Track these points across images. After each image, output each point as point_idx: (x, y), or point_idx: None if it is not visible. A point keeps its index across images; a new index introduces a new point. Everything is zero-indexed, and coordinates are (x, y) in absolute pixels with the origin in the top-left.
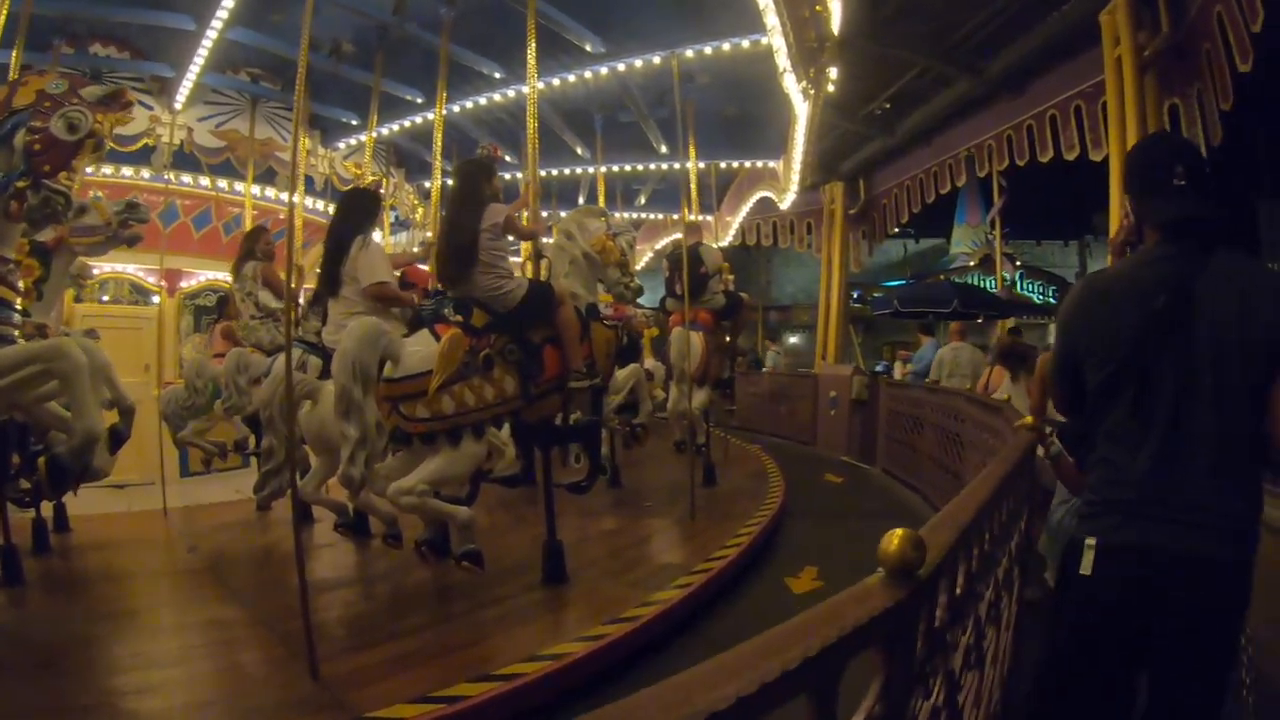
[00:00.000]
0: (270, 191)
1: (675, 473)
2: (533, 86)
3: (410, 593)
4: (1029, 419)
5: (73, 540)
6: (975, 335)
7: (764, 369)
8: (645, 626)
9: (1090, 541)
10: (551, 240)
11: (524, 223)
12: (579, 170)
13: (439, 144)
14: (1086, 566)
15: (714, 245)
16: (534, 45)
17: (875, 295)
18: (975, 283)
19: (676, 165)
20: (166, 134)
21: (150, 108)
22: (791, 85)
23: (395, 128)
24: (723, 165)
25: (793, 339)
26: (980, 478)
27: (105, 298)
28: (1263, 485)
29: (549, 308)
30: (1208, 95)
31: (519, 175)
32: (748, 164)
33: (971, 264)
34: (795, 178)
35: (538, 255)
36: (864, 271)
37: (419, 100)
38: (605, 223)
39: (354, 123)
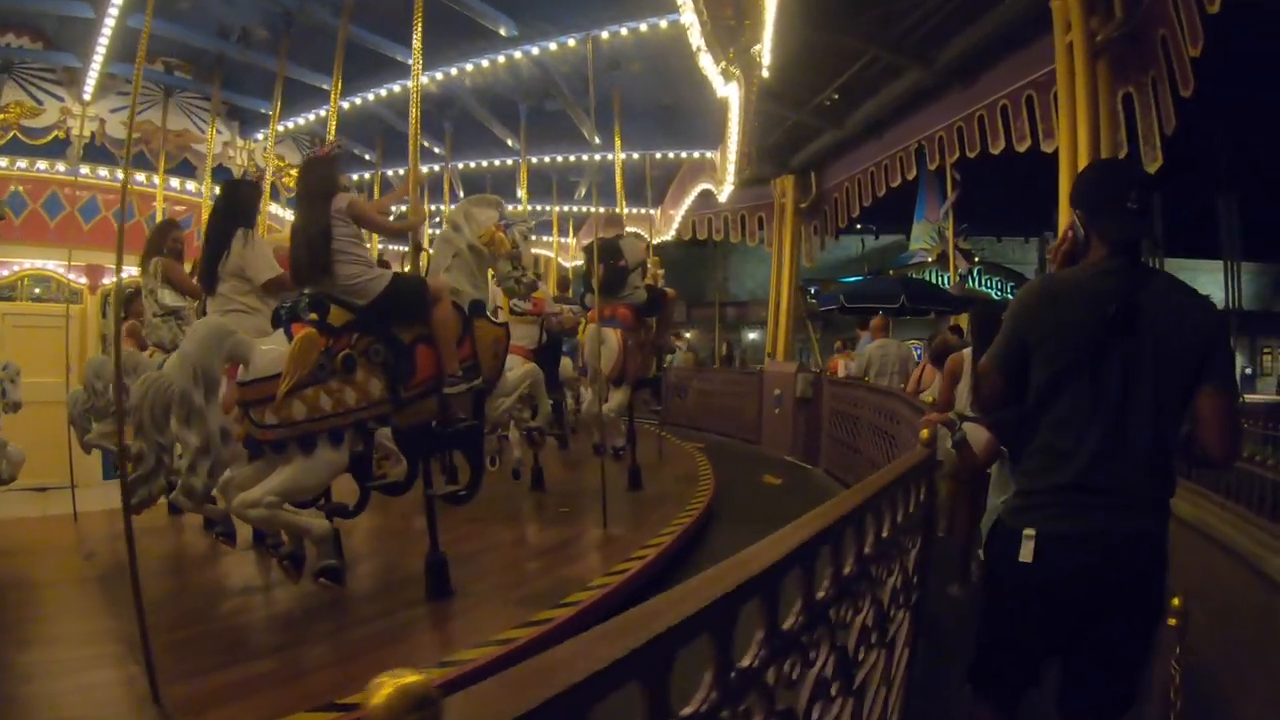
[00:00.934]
0: (192, 185)
1: (605, 475)
2: (416, 75)
3: (286, 608)
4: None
5: None
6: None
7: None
8: (520, 650)
9: (1029, 531)
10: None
11: (376, 213)
12: (510, 161)
13: (332, 130)
14: (1026, 554)
15: (638, 238)
16: (419, 27)
17: (816, 291)
18: (931, 279)
19: (609, 156)
20: (77, 126)
21: (61, 99)
22: (709, 66)
23: (311, 117)
24: (658, 156)
25: (751, 335)
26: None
27: (37, 291)
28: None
29: (419, 304)
30: (1163, 83)
31: (440, 167)
32: (684, 155)
33: (930, 259)
34: (731, 169)
35: (417, 248)
36: (821, 267)
37: (326, 87)
38: (498, 213)
39: (266, 112)
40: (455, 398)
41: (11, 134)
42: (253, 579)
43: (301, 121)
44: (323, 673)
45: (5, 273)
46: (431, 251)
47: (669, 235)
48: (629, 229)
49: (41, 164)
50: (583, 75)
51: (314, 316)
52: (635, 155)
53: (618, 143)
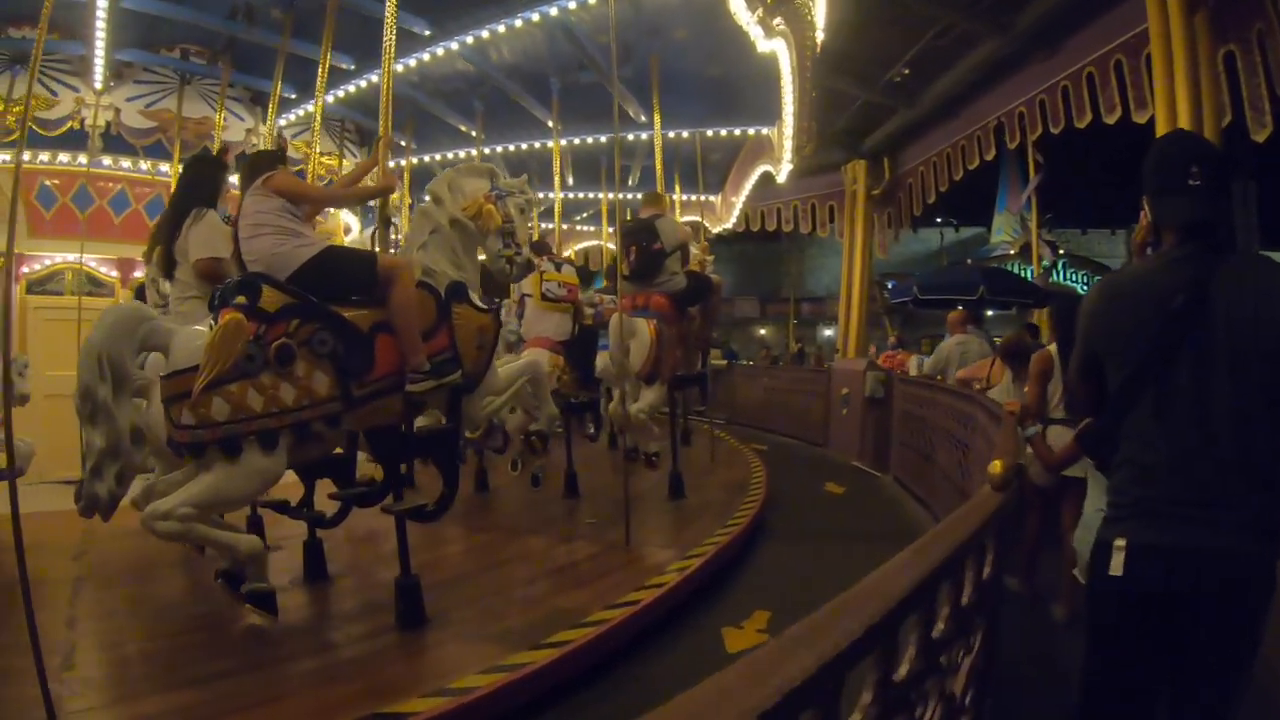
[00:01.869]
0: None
1: (644, 482)
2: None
3: (238, 629)
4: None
5: None
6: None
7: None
8: (477, 703)
9: (1119, 543)
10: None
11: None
12: (550, 144)
13: (320, 110)
14: (1116, 567)
15: (679, 219)
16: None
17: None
18: (1014, 270)
19: (645, 136)
20: (91, 116)
21: (76, 89)
22: (742, 12)
23: (330, 99)
24: (710, 134)
25: (827, 332)
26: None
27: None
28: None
29: (359, 282)
30: (1271, 36)
31: (471, 152)
32: (740, 133)
33: (1012, 252)
34: (789, 145)
35: (385, 223)
36: (899, 261)
37: (349, 66)
38: (489, 182)
39: (293, 96)
40: (426, 396)
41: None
42: (212, 593)
43: (326, 102)
44: (245, 714)
45: (37, 267)
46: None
47: (730, 224)
48: (688, 217)
49: (64, 156)
50: (621, 44)
51: (242, 300)
52: (685, 134)
53: (656, 116)
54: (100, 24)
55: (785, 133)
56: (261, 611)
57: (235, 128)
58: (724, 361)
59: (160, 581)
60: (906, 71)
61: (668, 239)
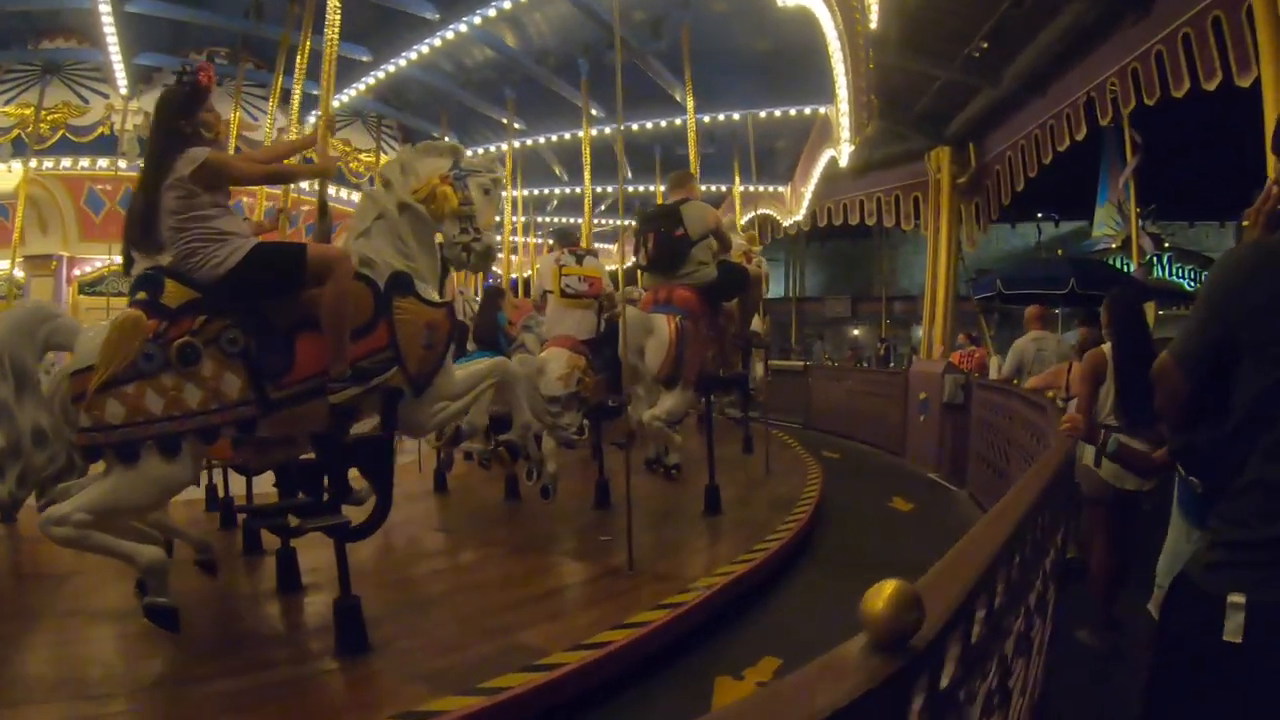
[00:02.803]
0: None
1: (680, 495)
2: None
3: (169, 641)
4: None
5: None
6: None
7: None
8: None
9: (1237, 599)
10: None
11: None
12: (593, 132)
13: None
14: (1235, 631)
15: (705, 204)
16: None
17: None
18: (1114, 264)
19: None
20: (119, 121)
21: (106, 96)
22: None
23: (352, 92)
24: (763, 115)
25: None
26: (1001, 506)
27: None
28: None
29: (289, 279)
30: None
31: (501, 148)
32: (793, 112)
33: (1114, 245)
34: (846, 123)
35: (323, 208)
36: (996, 257)
37: (365, 59)
38: (449, 161)
39: (315, 93)
40: (356, 400)
41: (60, 133)
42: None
43: (345, 99)
44: None
45: (88, 269)
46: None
47: (800, 216)
48: (762, 210)
49: (103, 162)
50: (649, 16)
51: (142, 295)
52: (735, 115)
53: (689, 91)
54: (109, 30)
55: (841, 109)
56: (162, 627)
57: (97, 106)
58: (800, 363)
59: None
60: (985, 45)
61: (693, 226)
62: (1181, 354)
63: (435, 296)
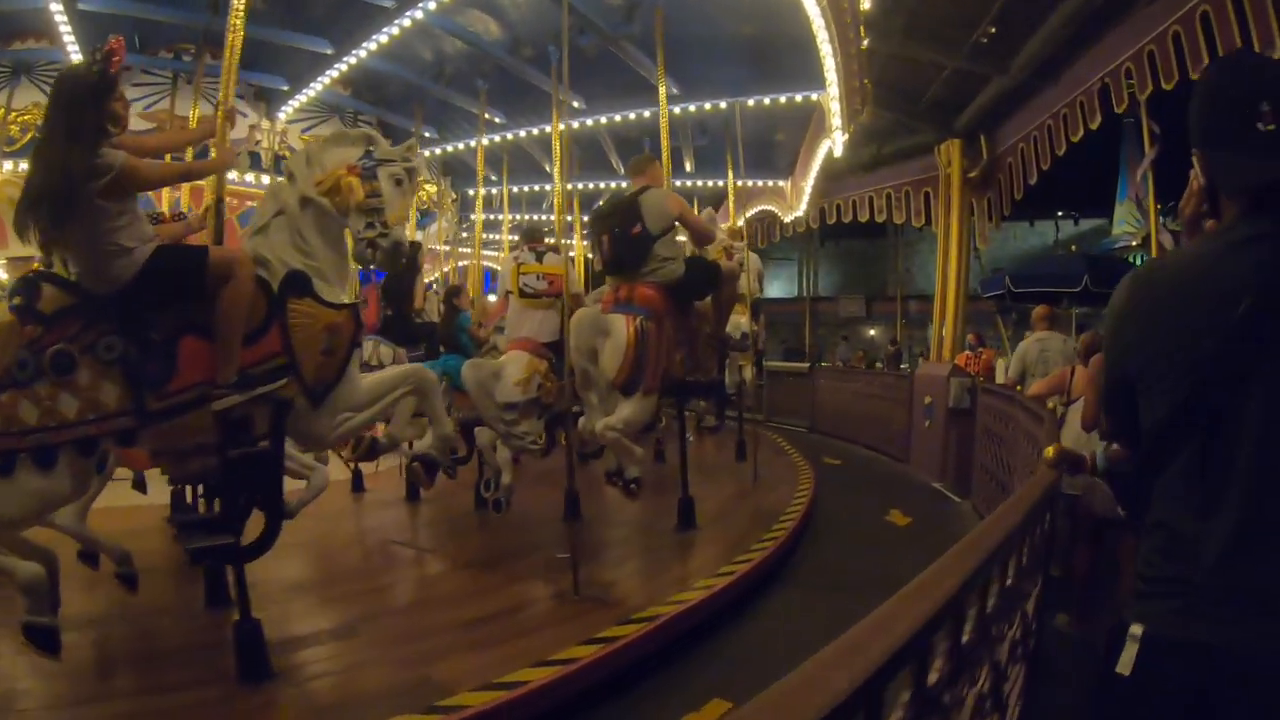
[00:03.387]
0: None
1: (656, 509)
2: None
3: (75, 658)
4: (1051, 450)
5: None
6: None
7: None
8: None
9: (1135, 630)
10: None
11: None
12: (574, 124)
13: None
14: (1126, 663)
15: (666, 191)
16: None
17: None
18: (1132, 261)
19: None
20: (264, 140)
21: (244, 114)
22: None
23: (318, 86)
24: (751, 104)
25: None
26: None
27: None
28: None
29: (189, 284)
30: None
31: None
32: (783, 99)
33: (1134, 243)
34: (837, 107)
35: (218, 202)
36: (1014, 256)
37: (327, 51)
38: (360, 150)
39: (426, 135)
40: (245, 410)
41: (30, 134)
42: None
43: (311, 93)
44: None
45: None
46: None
47: (800, 212)
48: (762, 206)
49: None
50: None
51: (18, 300)
52: (722, 104)
53: (661, 78)
54: (65, 28)
55: (831, 94)
56: (41, 651)
57: (239, 124)
58: (805, 365)
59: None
60: (993, 30)
61: (652, 219)
62: (1101, 395)
63: (341, 297)
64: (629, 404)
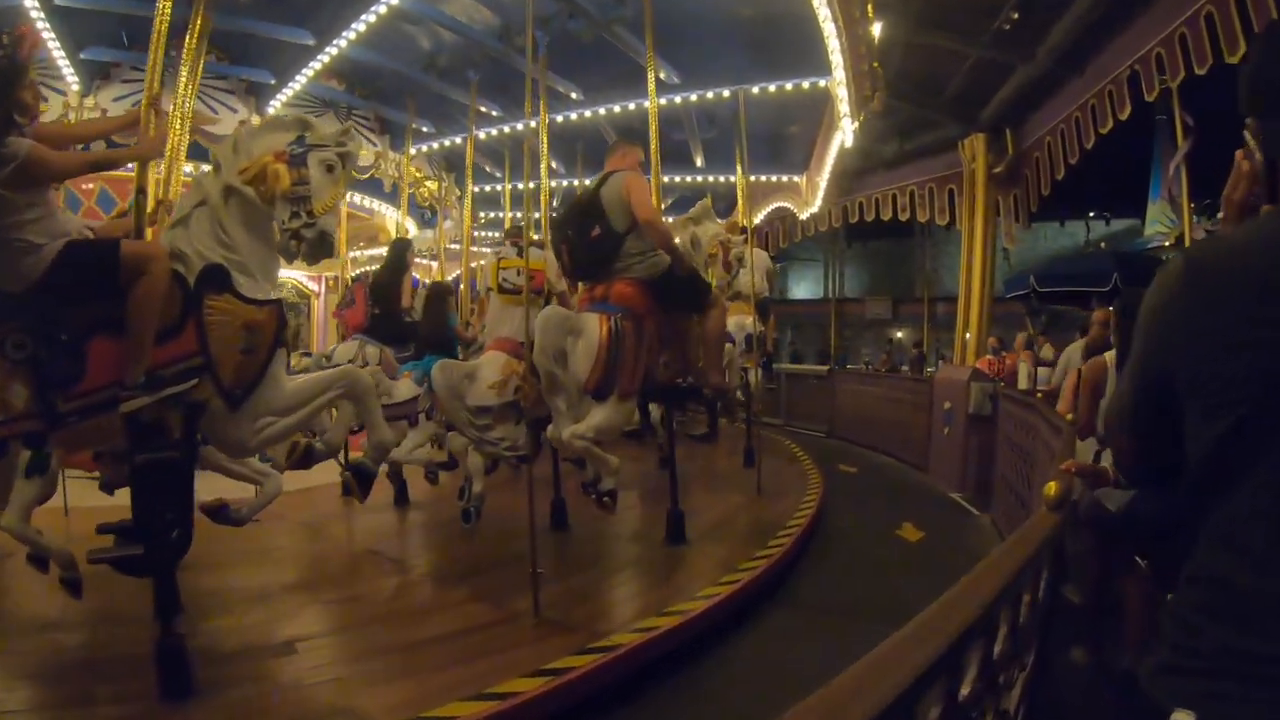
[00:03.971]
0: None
1: (644, 520)
2: None
3: None
4: (1053, 488)
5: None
6: None
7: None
8: None
9: (1182, 717)
10: None
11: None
12: (572, 116)
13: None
14: None
15: (625, 175)
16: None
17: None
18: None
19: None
20: (74, 118)
21: (63, 93)
22: None
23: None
24: (755, 91)
25: (967, 334)
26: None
27: None
28: None
29: (105, 277)
30: None
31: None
32: (789, 86)
33: (1167, 244)
34: (844, 93)
35: (140, 193)
36: (1043, 257)
37: (309, 42)
38: (291, 135)
39: (424, 129)
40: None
41: None
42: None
43: (297, 86)
44: None
45: None
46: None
47: (815, 208)
48: (778, 203)
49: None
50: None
51: None
52: (725, 92)
53: (650, 56)
54: (42, 24)
55: (837, 77)
56: None
57: (228, 120)
58: (824, 367)
59: None
60: (1015, 16)
61: (615, 213)
62: (1122, 406)
63: (264, 293)
64: (601, 410)
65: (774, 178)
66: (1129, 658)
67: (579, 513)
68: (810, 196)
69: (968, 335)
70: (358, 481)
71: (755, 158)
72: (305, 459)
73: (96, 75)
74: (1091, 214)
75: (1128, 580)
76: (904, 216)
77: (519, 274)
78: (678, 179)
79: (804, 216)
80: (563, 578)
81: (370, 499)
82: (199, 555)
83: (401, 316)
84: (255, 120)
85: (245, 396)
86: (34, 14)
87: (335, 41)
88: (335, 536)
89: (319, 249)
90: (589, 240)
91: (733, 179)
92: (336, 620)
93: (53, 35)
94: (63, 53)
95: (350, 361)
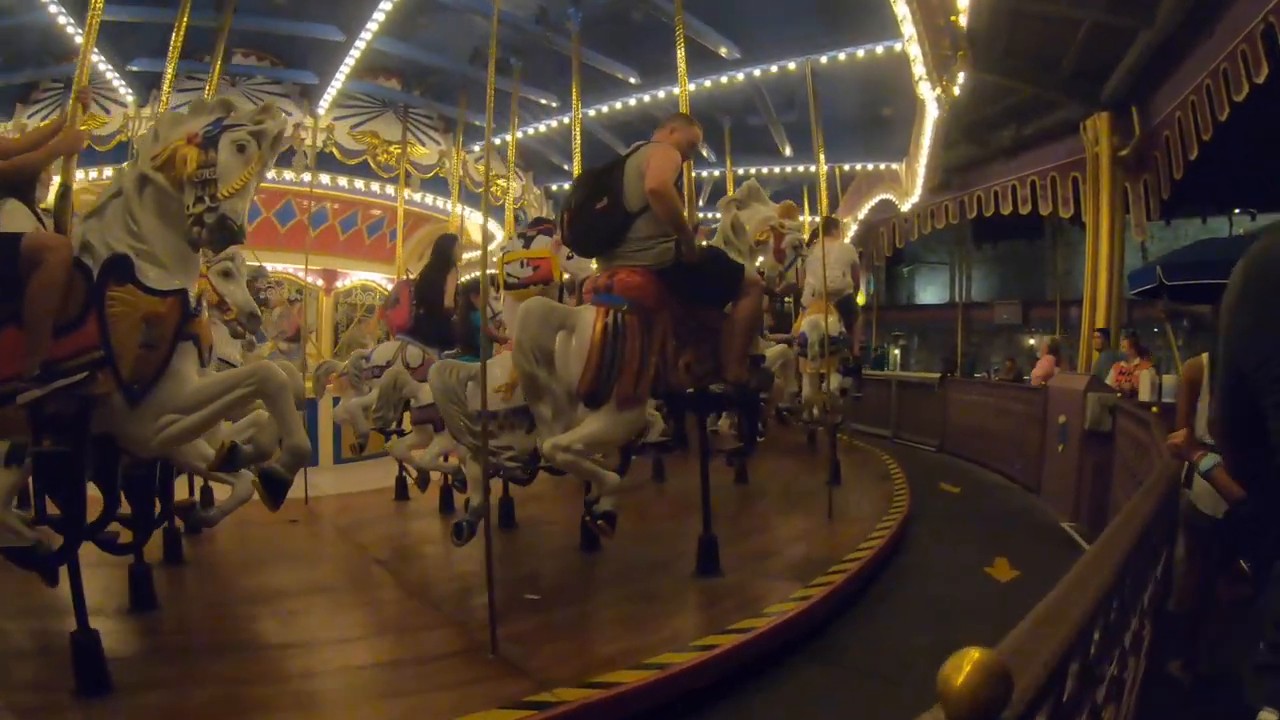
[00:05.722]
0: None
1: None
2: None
3: None
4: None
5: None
6: None
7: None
8: None
9: (1268, 717)
10: None
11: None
12: (703, 173)
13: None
14: None
15: (653, 146)
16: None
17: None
18: None
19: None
20: (309, 137)
21: (289, 114)
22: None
23: (530, 131)
24: (824, 60)
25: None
26: (1095, 550)
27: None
28: None
29: (9, 269)
30: None
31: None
32: (860, 53)
33: None
34: (917, 51)
35: (65, 192)
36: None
37: (554, 104)
38: (211, 119)
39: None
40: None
41: (86, 144)
42: None
43: (338, 84)
44: None
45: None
46: None
47: (915, 198)
48: (882, 195)
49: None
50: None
51: None
52: (791, 65)
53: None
54: (350, 60)
55: (908, 34)
56: None
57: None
58: (936, 374)
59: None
60: None
61: (632, 191)
62: (1219, 398)
63: (171, 284)
64: (595, 418)
65: (870, 166)
66: (1204, 661)
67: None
68: (910, 185)
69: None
70: (265, 489)
71: (847, 144)
72: (230, 461)
73: (152, 85)
74: (1236, 209)
75: (1221, 581)
76: (1024, 210)
77: (523, 266)
78: (764, 170)
79: (905, 208)
80: (551, 607)
81: (419, 504)
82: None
83: (447, 317)
84: (309, 123)
85: (145, 392)
86: (70, 29)
87: (361, 35)
88: (355, 542)
89: (222, 233)
90: (593, 211)
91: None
92: (287, 632)
93: (97, 51)
94: (110, 67)
95: (389, 363)
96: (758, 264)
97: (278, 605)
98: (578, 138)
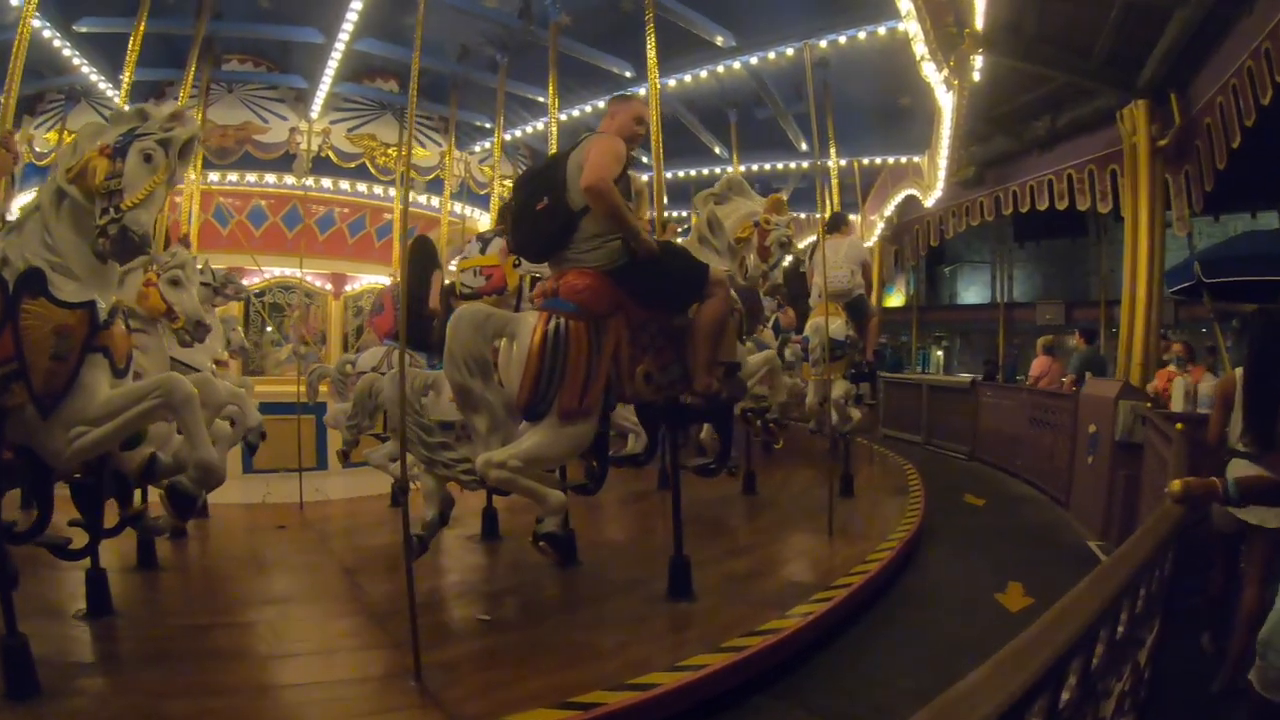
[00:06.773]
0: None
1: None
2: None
3: None
4: (1176, 484)
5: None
6: None
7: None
8: None
9: None
10: None
11: None
12: (716, 170)
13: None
14: None
15: (597, 137)
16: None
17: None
18: None
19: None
20: (304, 141)
21: (285, 118)
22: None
23: (528, 130)
24: (865, 162)
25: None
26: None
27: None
28: None
29: None
30: None
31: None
32: (862, 36)
33: None
34: (916, 28)
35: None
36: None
37: (318, 41)
38: (126, 129)
39: (487, 125)
40: None
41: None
42: None
43: (517, 134)
44: None
45: (257, 279)
46: None
47: (938, 192)
48: (907, 190)
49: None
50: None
51: None
52: (789, 51)
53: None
54: (333, 63)
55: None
56: None
57: (279, 128)
58: (966, 378)
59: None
60: None
61: (575, 188)
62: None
63: (82, 296)
64: (535, 432)
65: (890, 160)
66: (1223, 675)
67: (597, 549)
68: (931, 179)
69: (1134, 342)
70: (171, 502)
71: (865, 136)
72: (148, 473)
73: (150, 94)
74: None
75: (1248, 580)
76: (1061, 204)
77: (476, 274)
78: (779, 166)
79: (929, 204)
80: (501, 631)
81: (414, 511)
82: None
83: (429, 321)
84: (303, 127)
85: (56, 404)
86: (55, 42)
87: (339, 36)
88: (331, 551)
89: (124, 246)
90: (533, 212)
91: (844, 162)
92: (222, 642)
93: (85, 61)
94: (101, 77)
95: (375, 369)
96: (749, 262)
97: (230, 616)
98: (554, 135)
